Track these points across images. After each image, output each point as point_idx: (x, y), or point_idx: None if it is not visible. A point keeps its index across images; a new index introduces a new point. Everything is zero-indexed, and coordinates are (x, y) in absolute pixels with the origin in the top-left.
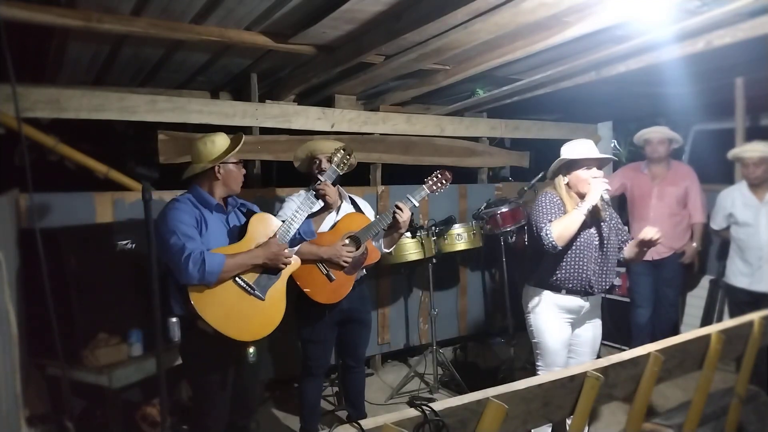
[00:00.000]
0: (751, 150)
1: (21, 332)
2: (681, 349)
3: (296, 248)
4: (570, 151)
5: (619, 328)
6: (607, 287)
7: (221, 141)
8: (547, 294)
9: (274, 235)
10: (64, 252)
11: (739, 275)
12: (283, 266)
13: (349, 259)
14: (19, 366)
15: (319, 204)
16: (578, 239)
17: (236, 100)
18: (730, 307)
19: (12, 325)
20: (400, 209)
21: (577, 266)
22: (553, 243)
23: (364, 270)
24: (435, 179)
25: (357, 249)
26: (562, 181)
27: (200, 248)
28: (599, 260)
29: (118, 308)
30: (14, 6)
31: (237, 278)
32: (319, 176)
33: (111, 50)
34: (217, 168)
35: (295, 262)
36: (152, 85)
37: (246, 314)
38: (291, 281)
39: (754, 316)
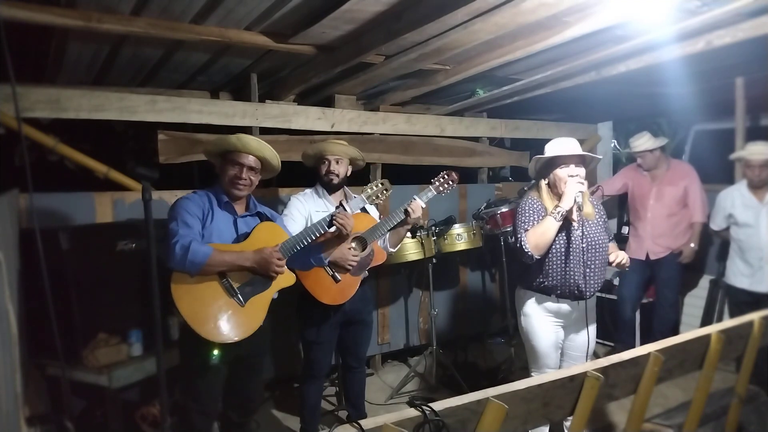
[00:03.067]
0: (758, 153)
1: (21, 332)
2: (681, 349)
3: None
4: (550, 148)
5: (615, 326)
6: (598, 289)
7: (233, 138)
8: (536, 297)
9: (278, 246)
10: (64, 252)
11: (739, 276)
12: (273, 274)
13: (355, 263)
14: (19, 366)
15: (332, 229)
16: (561, 243)
17: (236, 100)
18: (730, 308)
19: (12, 325)
20: (413, 208)
21: (563, 271)
22: (530, 254)
23: (367, 271)
24: (441, 180)
25: (363, 250)
26: (543, 182)
27: (191, 237)
28: (587, 263)
29: (118, 308)
30: (14, 6)
31: (224, 278)
32: (343, 203)
33: (111, 50)
34: (217, 161)
35: (288, 278)
36: (152, 85)
37: (219, 315)
38: (296, 282)
39: (754, 316)
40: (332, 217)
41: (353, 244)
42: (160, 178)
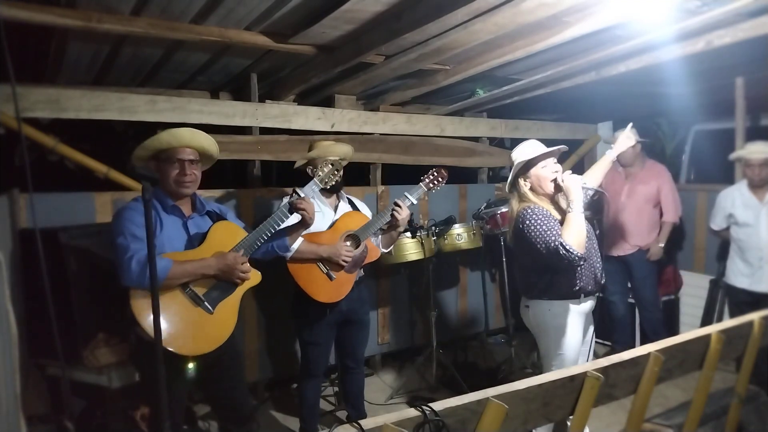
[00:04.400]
0: (757, 152)
1: (21, 332)
2: (681, 349)
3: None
4: (522, 153)
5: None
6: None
7: (164, 135)
8: (569, 305)
9: (237, 245)
10: (64, 252)
11: (739, 275)
12: (238, 280)
13: (349, 258)
14: (19, 366)
15: (295, 217)
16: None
17: (236, 100)
18: (730, 307)
19: (12, 325)
20: (399, 207)
21: (590, 267)
22: (579, 254)
23: (362, 271)
24: (431, 177)
25: (356, 248)
26: (525, 188)
27: (146, 251)
28: (591, 252)
29: (118, 308)
30: (14, 6)
31: (187, 288)
32: (297, 190)
33: (111, 50)
34: (152, 165)
35: (254, 276)
36: (152, 85)
37: (189, 327)
38: (291, 280)
39: (754, 316)
40: (291, 204)
41: (348, 243)
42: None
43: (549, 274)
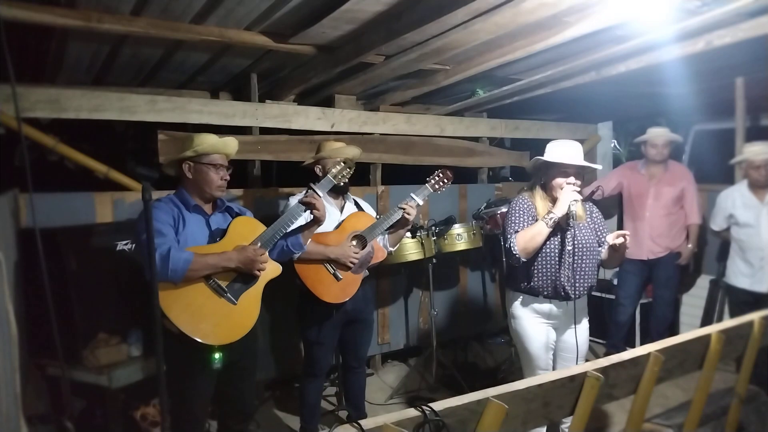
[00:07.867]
0: (761, 152)
1: (21, 332)
2: (681, 349)
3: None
4: (553, 151)
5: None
6: (586, 292)
7: (202, 139)
8: (524, 298)
9: (256, 239)
10: (64, 252)
11: (740, 276)
12: (257, 273)
13: (356, 260)
14: (19, 366)
15: (308, 215)
16: (549, 245)
17: (236, 100)
18: (731, 307)
19: (12, 325)
20: (409, 207)
21: (549, 272)
22: (517, 256)
23: (367, 271)
24: (437, 178)
25: (363, 248)
26: (538, 181)
27: (168, 245)
28: (573, 265)
29: (118, 308)
30: (14, 6)
31: (210, 279)
32: (313, 186)
33: (111, 50)
34: (186, 166)
35: (274, 269)
36: (152, 85)
37: (214, 317)
38: (295, 280)
39: (754, 316)
40: (304, 202)
41: (353, 243)
42: (160, 178)
43: (512, 264)
